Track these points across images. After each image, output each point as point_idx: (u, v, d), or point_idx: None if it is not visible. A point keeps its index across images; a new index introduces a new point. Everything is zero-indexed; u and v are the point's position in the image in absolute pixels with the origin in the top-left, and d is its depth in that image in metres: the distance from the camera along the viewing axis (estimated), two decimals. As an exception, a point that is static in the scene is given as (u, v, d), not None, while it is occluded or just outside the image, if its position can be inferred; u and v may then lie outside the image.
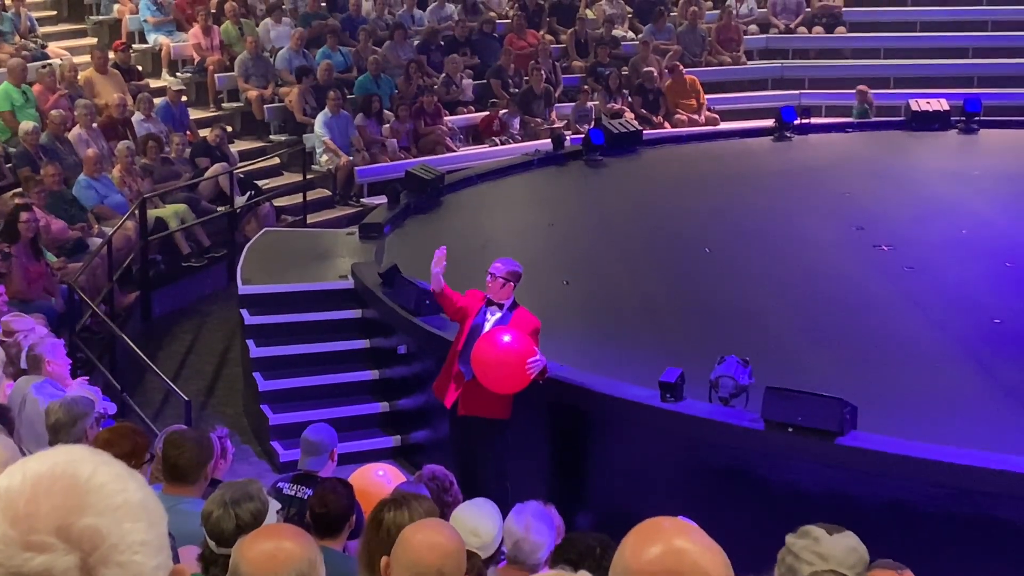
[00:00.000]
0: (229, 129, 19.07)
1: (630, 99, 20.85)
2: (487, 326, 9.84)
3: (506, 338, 9.58)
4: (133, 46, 19.90)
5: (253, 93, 19.24)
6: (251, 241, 14.58)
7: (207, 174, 16.52)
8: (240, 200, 16.61)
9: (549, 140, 18.26)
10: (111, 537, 1.52)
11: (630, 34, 23.10)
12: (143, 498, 1.59)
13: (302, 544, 3.38)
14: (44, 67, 17.21)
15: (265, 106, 19.22)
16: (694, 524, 2.11)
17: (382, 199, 16.07)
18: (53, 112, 15.93)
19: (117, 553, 1.52)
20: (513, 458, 9.91)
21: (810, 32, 23.74)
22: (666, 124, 20.67)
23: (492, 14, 22.60)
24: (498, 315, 9.86)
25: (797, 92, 22.01)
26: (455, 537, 4.21)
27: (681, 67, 21.32)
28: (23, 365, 8.83)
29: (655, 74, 21.04)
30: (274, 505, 5.31)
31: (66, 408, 6.79)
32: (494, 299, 9.91)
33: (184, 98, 18.62)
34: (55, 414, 6.77)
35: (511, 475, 9.90)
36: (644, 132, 18.76)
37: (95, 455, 1.61)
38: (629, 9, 23.62)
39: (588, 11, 23.18)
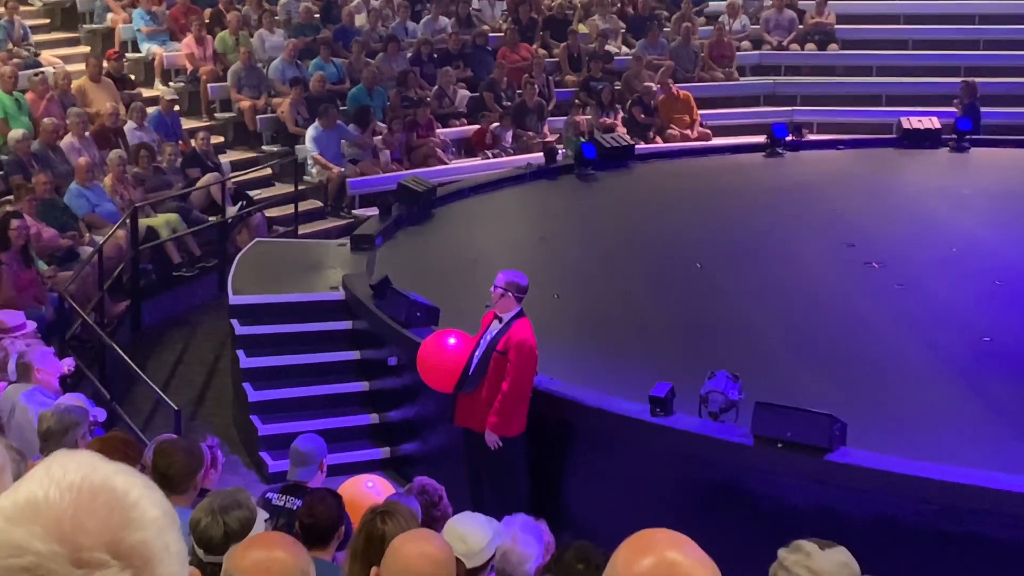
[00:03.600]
0: (221, 139, 19.08)
1: (625, 113, 20.86)
2: (486, 339, 9.91)
3: (451, 340, 9.98)
4: (126, 55, 19.87)
5: (246, 103, 19.25)
6: (242, 251, 14.57)
7: (199, 184, 16.51)
8: (232, 210, 16.61)
9: (541, 154, 18.28)
10: (157, 551, 1.52)
11: (623, 49, 23.14)
12: (169, 507, 1.60)
13: (294, 554, 3.39)
14: (37, 75, 17.21)
15: (258, 116, 19.23)
16: (686, 537, 2.11)
17: (374, 211, 16.10)
18: (45, 120, 15.92)
19: (163, 566, 1.52)
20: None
21: (803, 49, 23.77)
22: (658, 139, 20.70)
23: (485, 27, 22.62)
24: (497, 328, 9.87)
25: (789, 109, 22.06)
26: (444, 546, 4.24)
27: (672, 83, 21.33)
28: (11, 376, 8.83)
29: (654, 89, 21.06)
30: (262, 514, 5.31)
31: (58, 417, 6.79)
32: (498, 312, 9.92)
33: (176, 107, 18.62)
34: (47, 422, 6.77)
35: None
36: (637, 147, 18.80)
37: (116, 465, 1.59)
38: (622, 24, 23.66)
39: (581, 25, 23.22)
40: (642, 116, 20.67)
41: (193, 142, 17.49)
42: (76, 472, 1.56)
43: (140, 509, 1.54)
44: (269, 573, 3.32)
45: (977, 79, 21.72)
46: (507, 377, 9.71)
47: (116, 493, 1.54)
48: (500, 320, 9.90)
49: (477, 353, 9.91)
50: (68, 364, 9.29)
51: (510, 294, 9.87)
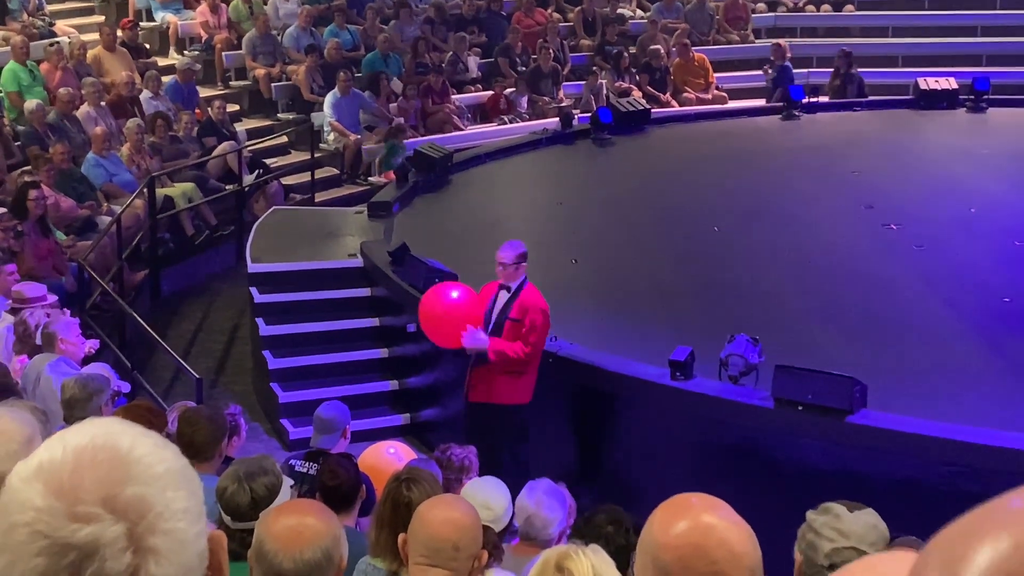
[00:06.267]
0: (236, 108, 19.07)
1: (637, 78, 20.80)
2: (496, 308, 9.84)
3: (454, 294, 9.92)
4: (141, 24, 19.87)
5: (261, 71, 19.23)
6: (260, 220, 14.58)
7: (215, 152, 16.52)
8: (248, 179, 16.62)
9: (557, 119, 18.24)
10: (156, 505, 1.54)
11: (638, 12, 23.05)
12: (182, 467, 1.61)
13: (326, 520, 3.40)
14: (52, 45, 17.20)
15: (273, 84, 19.21)
16: (721, 500, 2.13)
17: (390, 177, 16.10)
18: (61, 90, 15.93)
19: (163, 521, 1.54)
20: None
21: (818, 10, 23.67)
22: (673, 103, 20.63)
23: (500, -8, 22.54)
24: (507, 297, 9.84)
25: (805, 71, 21.93)
26: (471, 512, 4.25)
27: (690, 45, 21.26)
28: (37, 341, 8.89)
29: (662, 52, 20.99)
30: (288, 480, 5.33)
31: (81, 384, 6.82)
32: (506, 283, 9.85)
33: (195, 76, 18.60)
34: (70, 390, 6.81)
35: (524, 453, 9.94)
36: (652, 111, 18.74)
37: (131, 427, 1.63)
38: (637, -13, 23.56)
39: (596, -11, 23.12)
40: (648, 87, 20.53)
41: (209, 111, 17.49)
42: (87, 434, 1.59)
43: (142, 465, 1.56)
44: (301, 539, 3.34)
45: (993, 39, 21.62)
46: (525, 339, 9.63)
47: (119, 450, 1.57)
48: (508, 290, 9.81)
49: (489, 327, 9.85)
50: (91, 345, 9.34)
51: (522, 264, 9.82)
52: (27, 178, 13.64)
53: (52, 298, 10.35)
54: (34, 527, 1.51)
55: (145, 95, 17.14)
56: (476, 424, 9.99)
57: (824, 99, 20.05)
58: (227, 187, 16.31)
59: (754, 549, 2.08)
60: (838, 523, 3.70)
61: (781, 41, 21.12)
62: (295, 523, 3.39)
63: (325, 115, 18.28)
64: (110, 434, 1.60)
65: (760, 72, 22.13)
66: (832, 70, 20.50)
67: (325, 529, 3.36)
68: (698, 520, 2.05)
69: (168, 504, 1.56)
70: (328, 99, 18.26)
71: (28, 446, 3.43)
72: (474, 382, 9.92)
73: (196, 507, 1.61)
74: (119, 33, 18.47)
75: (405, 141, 17.89)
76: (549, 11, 22.10)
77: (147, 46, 19.45)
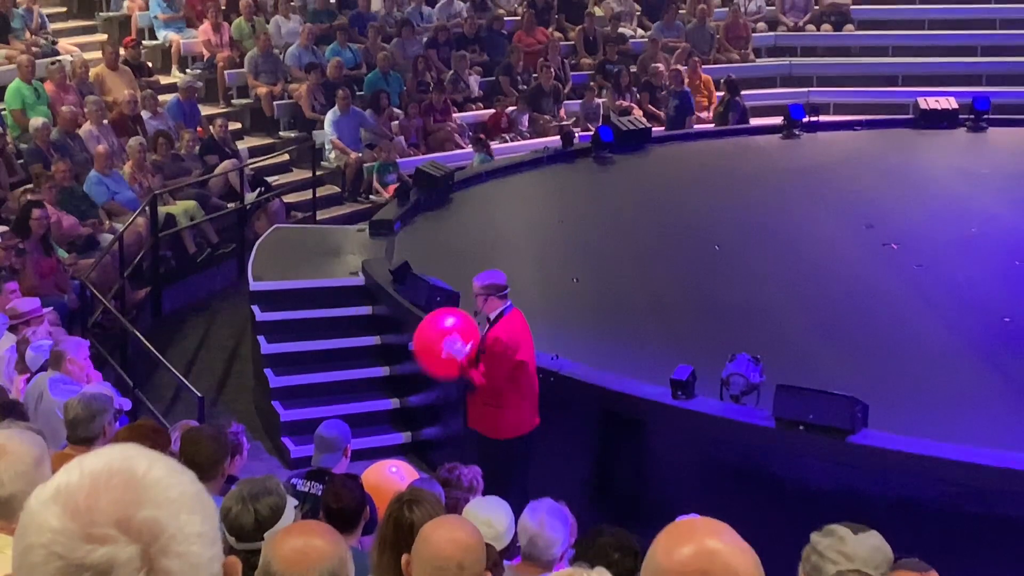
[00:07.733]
0: (238, 126, 19.10)
1: (638, 96, 20.85)
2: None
3: (449, 321, 9.69)
4: (143, 42, 19.90)
5: (263, 90, 19.26)
6: (261, 238, 14.60)
7: (217, 170, 16.54)
8: (250, 196, 16.64)
9: (558, 137, 18.27)
10: (170, 528, 1.56)
11: (639, 31, 23.10)
12: (197, 491, 1.64)
13: (333, 542, 3.43)
14: (54, 63, 17.24)
15: (275, 103, 19.24)
16: (725, 524, 2.14)
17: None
18: (64, 108, 15.96)
19: (176, 544, 1.56)
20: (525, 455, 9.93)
21: (818, 30, 23.71)
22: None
23: (501, 11, 22.59)
24: (485, 328, 9.72)
25: (805, 90, 21.99)
26: (474, 532, 4.27)
27: (699, 63, 21.31)
28: (31, 365, 8.90)
29: (662, 71, 21.02)
30: (291, 501, 5.34)
31: (84, 404, 6.83)
32: (486, 313, 9.74)
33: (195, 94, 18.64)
34: (73, 410, 6.81)
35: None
36: (652, 129, 18.77)
37: (148, 452, 1.66)
38: (638, 6, 23.60)
39: (596, 8, 23.16)
40: (649, 105, 20.58)
41: (211, 129, 17.52)
42: (104, 459, 1.63)
43: (157, 489, 1.60)
44: (307, 560, 3.36)
45: (993, 58, 21.65)
46: (484, 372, 9.53)
47: (134, 474, 1.61)
48: (488, 319, 9.73)
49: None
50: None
51: (492, 296, 9.65)
52: (29, 196, 13.68)
53: (47, 310, 10.38)
54: (50, 548, 1.55)
55: (144, 114, 17.17)
56: (476, 450, 9.95)
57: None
58: (229, 205, 16.32)
59: (758, 574, 2.09)
60: (842, 545, 3.71)
61: (679, 67, 21.12)
62: (302, 545, 3.41)
63: (326, 133, 18.33)
64: (126, 459, 1.63)
65: (761, 92, 22.18)
66: (721, 94, 20.53)
67: (332, 551, 3.38)
68: (702, 545, 2.06)
69: (182, 527, 1.59)
70: (328, 117, 18.31)
71: (38, 467, 3.46)
72: (468, 408, 9.94)
73: (211, 531, 1.63)
74: (121, 52, 18.51)
75: (399, 159, 17.97)
76: (550, 30, 22.15)
77: (149, 64, 19.48)
